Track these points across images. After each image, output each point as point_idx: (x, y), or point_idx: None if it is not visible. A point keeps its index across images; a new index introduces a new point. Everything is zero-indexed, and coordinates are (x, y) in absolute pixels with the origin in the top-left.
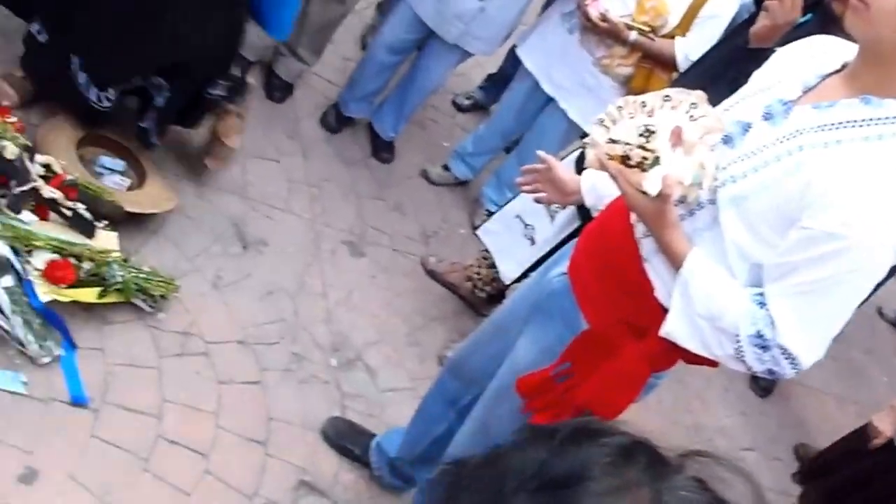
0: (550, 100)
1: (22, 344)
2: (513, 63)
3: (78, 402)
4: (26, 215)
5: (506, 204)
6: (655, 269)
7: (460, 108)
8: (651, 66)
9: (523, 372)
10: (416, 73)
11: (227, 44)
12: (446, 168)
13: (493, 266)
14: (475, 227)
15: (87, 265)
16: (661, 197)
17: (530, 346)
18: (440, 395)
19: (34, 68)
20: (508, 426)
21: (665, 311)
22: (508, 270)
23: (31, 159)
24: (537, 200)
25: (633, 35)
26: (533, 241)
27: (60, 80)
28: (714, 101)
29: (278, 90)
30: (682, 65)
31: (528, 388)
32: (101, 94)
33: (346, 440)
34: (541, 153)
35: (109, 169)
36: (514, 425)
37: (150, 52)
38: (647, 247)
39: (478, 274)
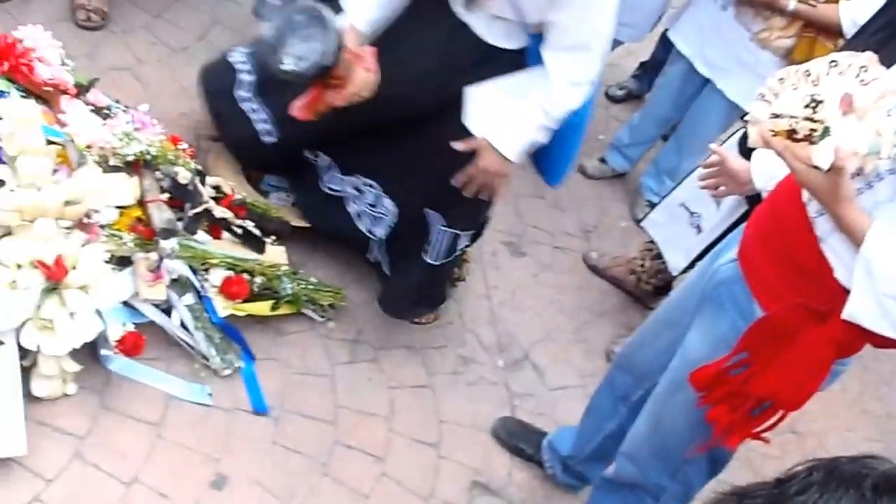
0: (707, 81)
1: (205, 357)
2: (664, 48)
3: (259, 410)
4: (201, 235)
5: (669, 193)
6: (833, 248)
7: (614, 99)
8: (814, 34)
9: (696, 365)
10: None
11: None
12: (603, 161)
13: (657, 258)
14: (636, 220)
15: (259, 279)
16: (835, 170)
17: (702, 337)
18: (610, 391)
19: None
20: (683, 420)
21: (847, 292)
22: (676, 261)
23: (203, 182)
24: (717, 196)
25: (792, 3)
26: (700, 229)
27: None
28: (888, 63)
29: None
30: (849, 30)
31: (703, 381)
32: (338, 178)
33: (518, 439)
34: (713, 146)
35: (275, 186)
36: (688, 419)
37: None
38: (822, 226)
39: (642, 266)
